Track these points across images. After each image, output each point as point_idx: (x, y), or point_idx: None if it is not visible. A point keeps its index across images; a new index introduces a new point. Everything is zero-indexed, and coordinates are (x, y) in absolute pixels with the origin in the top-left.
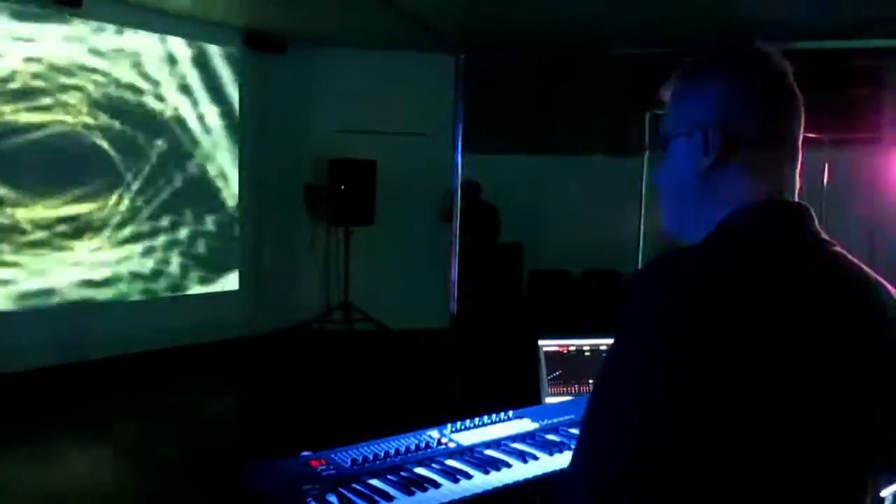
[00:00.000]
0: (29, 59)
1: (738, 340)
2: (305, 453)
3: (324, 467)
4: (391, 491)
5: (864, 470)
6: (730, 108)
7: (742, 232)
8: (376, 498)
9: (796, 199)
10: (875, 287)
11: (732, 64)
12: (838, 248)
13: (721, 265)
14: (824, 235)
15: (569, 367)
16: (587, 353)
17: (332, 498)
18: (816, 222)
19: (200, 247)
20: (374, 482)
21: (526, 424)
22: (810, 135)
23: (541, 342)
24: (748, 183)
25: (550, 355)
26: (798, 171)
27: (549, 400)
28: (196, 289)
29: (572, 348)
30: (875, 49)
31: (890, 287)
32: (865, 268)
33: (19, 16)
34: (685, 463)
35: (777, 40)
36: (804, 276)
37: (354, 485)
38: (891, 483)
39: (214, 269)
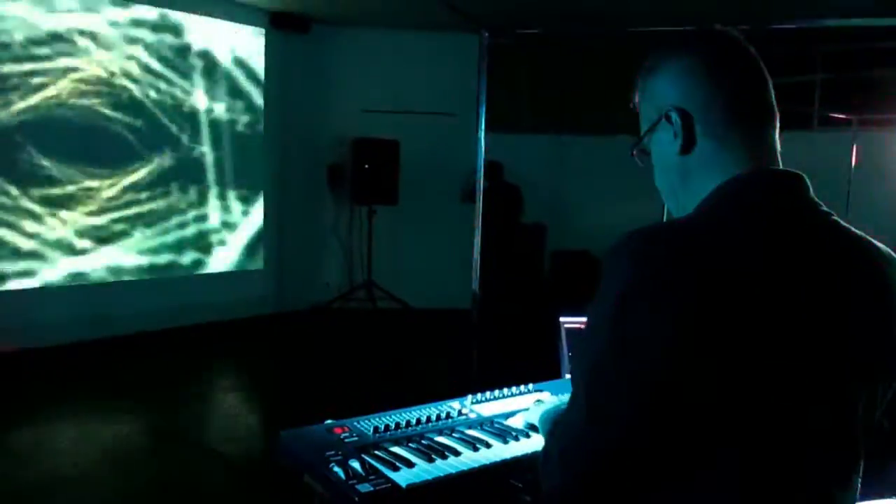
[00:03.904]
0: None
1: (718, 315)
2: (329, 421)
3: (346, 434)
4: (412, 458)
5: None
6: (691, 87)
7: (731, 202)
8: (397, 464)
9: (780, 164)
10: (876, 255)
11: (688, 46)
12: (836, 217)
13: (702, 235)
14: (824, 207)
15: None
16: None
17: (355, 463)
18: (812, 191)
19: (225, 225)
20: (396, 449)
21: (545, 397)
22: (839, 115)
23: (562, 319)
24: (730, 155)
25: (571, 332)
26: (778, 130)
27: (570, 376)
28: (221, 267)
29: None
30: None
31: (893, 255)
32: (866, 236)
33: None
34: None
35: (806, 18)
36: (799, 244)
37: (376, 451)
38: None
39: (239, 247)
